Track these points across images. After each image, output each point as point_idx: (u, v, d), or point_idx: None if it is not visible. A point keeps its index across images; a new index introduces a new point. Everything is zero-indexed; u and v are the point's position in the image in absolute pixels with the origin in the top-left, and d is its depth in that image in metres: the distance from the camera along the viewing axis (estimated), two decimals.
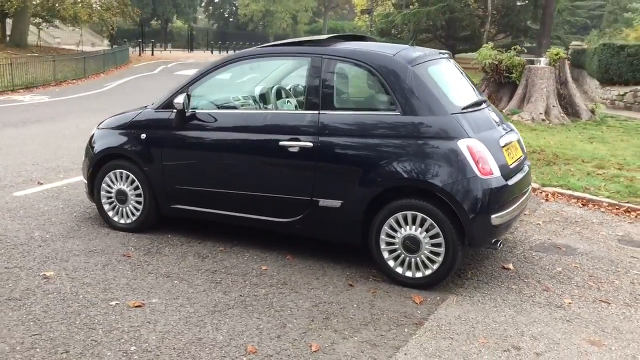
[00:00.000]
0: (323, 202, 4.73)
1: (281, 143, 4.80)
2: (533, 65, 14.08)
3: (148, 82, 22.32)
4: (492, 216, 4.42)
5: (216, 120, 5.14)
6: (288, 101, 5.35)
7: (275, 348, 3.65)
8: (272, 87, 5.44)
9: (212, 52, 47.25)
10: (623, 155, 9.86)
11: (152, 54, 39.27)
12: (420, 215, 4.45)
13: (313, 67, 4.83)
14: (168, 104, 5.32)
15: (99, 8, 29.99)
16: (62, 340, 3.63)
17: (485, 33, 36.93)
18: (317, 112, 4.75)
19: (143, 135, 5.37)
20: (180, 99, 5.06)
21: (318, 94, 4.77)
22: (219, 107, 5.36)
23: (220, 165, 5.12)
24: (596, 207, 7.05)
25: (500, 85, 14.63)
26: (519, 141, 5.20)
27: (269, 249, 5.26)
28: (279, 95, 5.41)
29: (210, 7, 70.96)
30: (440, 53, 5.21)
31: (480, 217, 4.37)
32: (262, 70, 5.59)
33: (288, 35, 64.60)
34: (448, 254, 4.40)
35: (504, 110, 13.72)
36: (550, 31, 32.60)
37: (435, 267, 4.47)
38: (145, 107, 5.65)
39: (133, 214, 5.54)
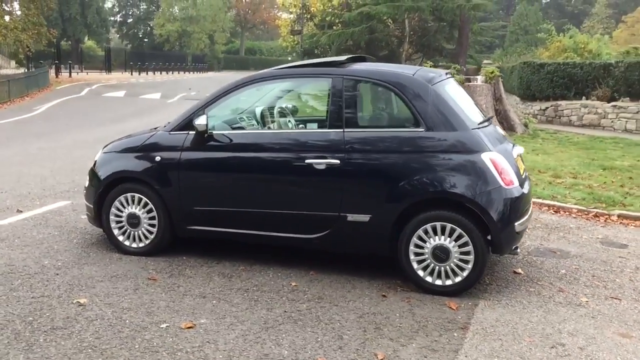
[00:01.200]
0: (351, 217, 4.89)
1: (307, 161, 4.94)
2: (471, 83, 14.80)
3: (79, 104, 21.68)
4: (516, 223, 4.74)
5: (237, 140, 5.22)
6: (309, 120, 5.48)
7: (343, 359, 3.77)
8: (291, 107, 5.58)
9: (131, 74, 46.23)
10: (571, 165, 10.57)
11: (70, 75, 38.03)
12: (449, 225, 4.69)
13: (335, 88, 5.01)
14: (183, 126, 5.35)
15: (13, 29, 28.77)
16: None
17: (404, 53, 38.19)
18: (341, 130, 4.93)
19: (158, 158, 5.36)
20: (202, 121, 5.10)
21: (341, 113, 4.95)
22: (238, 127, 5.44)
23: (242, 184, 5.19)
24: (567, 213, 7.56)
25: None
26: (520, 154, 5.56)
27: (289, 266, 5.36)
28: (297, 115, 5.55)
29: (124, 27, 69.59)
30: (446, 74, 5.51)
31: (506, 224, 4.67)
32: (281, 92, 5.72)
33: (206, 55, 64.29)
34: (477, 261, 4.67)
35: None
36: (467, 50, 34.19)
37: (465, 274, 4.72)
38: (156, 129, 5.64)
39: (146, 237, 5.50)
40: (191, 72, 55.12)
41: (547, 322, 4.39)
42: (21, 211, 7.00)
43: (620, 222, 7.24)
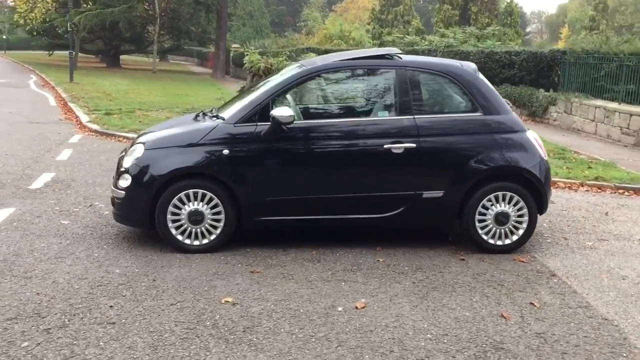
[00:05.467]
0: (427, 194, 5.50)
1: (386, 146, 5.40)
2: None
3: None
4: (552, 188, 5.83)
5: (313, 129, 5.43)
6: (377, 108, 5.82)
7: (514, 310, 4.46)
8: (357, 95, 5.88)
9: None
10: None
11: None
12: (509, 193, 5.58)
13: (400, 78, 5.53)
14: (249, 118, 5.36)
15: None
16: (380, 344, 3.85)
17: (156, 35, 37.55)
18: (412, 116, 5.49)
19: (225, 151, 5.29)
20: (285, 112, 5.19)
21: (409, 101, 5.50)
22: (310, 117, 5.62)
23: (319, 172, 5.42)
24: None
25: None
26: None
27: (351, 246, 5.70)
28: (365, 104, 5.87)
29: None
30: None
31: (549, 189, 5.75)
32: (341, 82, 5.94)
33: None
34: (531, 221, 5.65)
35: None
36: (225, 34, 34.90)
37: (520, 232, 5.66)
38: (196, 118, 5.54)
39: (210, 233, 5.39)
40: None
41: (595, 262, 5.58)
42: None
43: None
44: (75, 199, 7.12)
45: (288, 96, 5.71)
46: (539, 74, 18.15)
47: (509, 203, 5.61)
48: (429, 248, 5.77)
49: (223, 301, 4.40)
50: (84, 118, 13.96)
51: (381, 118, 5.62)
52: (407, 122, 5.47)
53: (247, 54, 15.89)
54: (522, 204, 5.61)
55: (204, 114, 5.96)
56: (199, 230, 5.37)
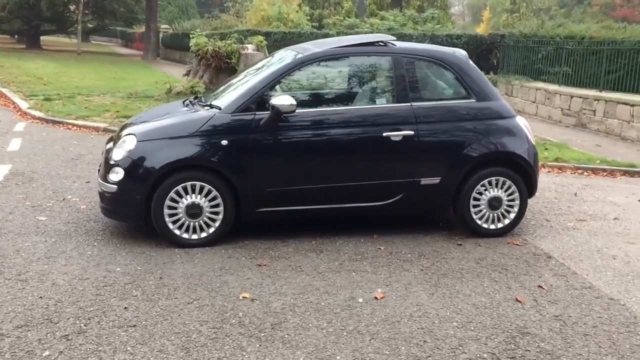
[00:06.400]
0: (425, 181, 5.53)
1: (385, 134, 5.38)
2: (247, 52, 15.44)
3: None
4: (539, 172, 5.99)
5: (313, 118, 5.33)
6: (374, 96, 5.76)
7: (526, 294, 4.57)
8: (354, 83, 5.80)
9: None
10: None
11: None
12: (502, 178, 5.69)
13: (396, 65, 5.51)
14: (246, 108, 5.22)
15: None
16: (411, 335, 3.86)
17: (80, 14, 36.13)
18: (409, 104, 5.49)
19: (224, 142, 5.13)
20: (287, 101, 5.07)
21: (406, 88, 5.50)
22: (307, 105, 5.51)
23: (320, 161, 5.34)
24: None
25: (220, 70, 15.50)
26: None
27: (348, 234, 5.69)
28: (363, 91, 5.79)
29: None
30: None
31: (537, 173, 5.89)
32: (339, 70, 5.83)
33: None
34: (522, 205, 5.79)
35: None
36: (156, 14, 33.86)
37: (511, 216, 5.79)
38: (187, 106, 5.37)
39: (208, 226, 5.24)
40: None
41: (583, 243, 5.79)
42: None
43: None
44: (44, 192, 6.76)
45: (277, 86, 5.57)
46: (480, 57, 18.58)
47: (501, 188, 5.71)
48: (424, 234, 5.82)
49: (241, 297, 4.29)
50: (23, 104, 13.24)
51: (379, 106, 5.58)
52: (404, 109, 5.46)
53: (192, 37, 15.47)
54: (513, 188, 5.73)
55: (192, 103, 5.78)
56: (197, 223, 5.20)
